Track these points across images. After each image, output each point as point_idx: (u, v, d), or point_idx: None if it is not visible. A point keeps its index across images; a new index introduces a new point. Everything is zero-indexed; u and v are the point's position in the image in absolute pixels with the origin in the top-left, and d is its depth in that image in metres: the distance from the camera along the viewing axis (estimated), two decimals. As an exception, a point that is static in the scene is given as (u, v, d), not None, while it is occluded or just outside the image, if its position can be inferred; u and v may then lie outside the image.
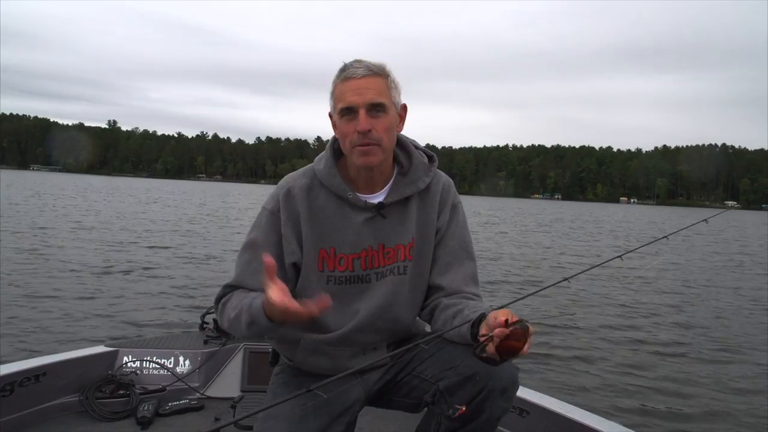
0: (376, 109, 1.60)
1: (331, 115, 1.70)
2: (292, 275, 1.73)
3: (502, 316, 1.42)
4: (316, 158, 1.78)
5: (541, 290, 1.92)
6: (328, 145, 1.77)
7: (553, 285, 1.91)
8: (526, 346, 1.39)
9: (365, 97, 1.59)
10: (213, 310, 3.21)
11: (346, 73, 1.62)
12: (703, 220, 2.59)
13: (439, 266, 1.79)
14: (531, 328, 1.40)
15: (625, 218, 53.68)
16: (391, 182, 1.75)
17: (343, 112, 1.62)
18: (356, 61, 1.64)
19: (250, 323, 1.55)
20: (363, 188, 1.73)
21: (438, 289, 1.79)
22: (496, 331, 1.39)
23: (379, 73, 1.63)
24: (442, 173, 1.84)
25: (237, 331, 1.65)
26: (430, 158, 1.81)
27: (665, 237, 2.36)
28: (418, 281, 1.79)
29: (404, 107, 1.73)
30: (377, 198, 1.72)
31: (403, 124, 1.75)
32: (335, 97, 1.65)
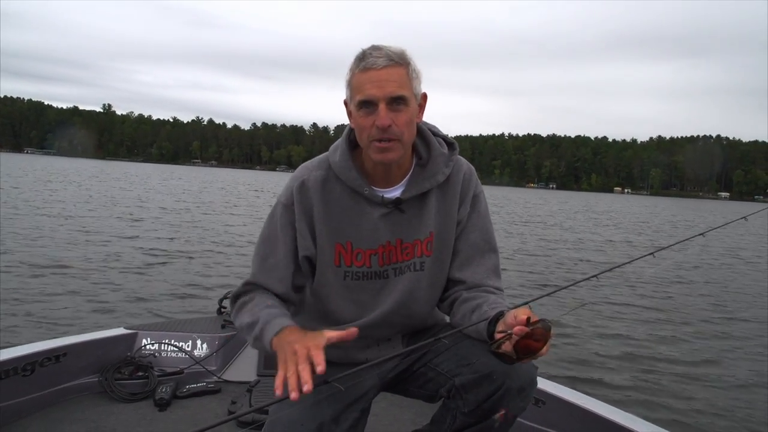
0: (396, 102, 1.51)
1: (346, 104, 1.61)
2: (306, 270, 1.69)
3: (522, 314, 1.37)
4: (331, 148, 1.70)
5: (565, 288, 1.91)
6: (344, 135, 1.69)
7: (582, 281, 1.90)
8: (546, 347, 1.34)
9: (386, 90, 1.49)
10: (227, 305, 3.24)
11: (366, 63, 1.50)
12: (742, 218, 2.58)
13: (461, 259, 1.74)
14: (552, 330, 1.34)
15: (648, 211, 53.32)
16: (409, 175, 1.68)
17: (361, 105, 1.52)
18: (375, 48, 1.52)
19: (256, 338, 1.55)
20: (380, 182, 1.66)
21: (459, 282, 1.74)
22: (516, 328, 1.34)
23: (399, 62, 1.52)
24: (463, 160, 1.76)
25: (246, 337, 1.63)
26: (450, 145, 1.73)
27: (701, 234, 2.35)
28: (438, 276, 1.74)
29: (424, 96, 1.63)
30: (394, 192, 1.66)
31: (422, 113, 1.66)
32: (353, 87, 1.54)
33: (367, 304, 1.71)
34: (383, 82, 1.49)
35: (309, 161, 1.73)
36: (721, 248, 18.82)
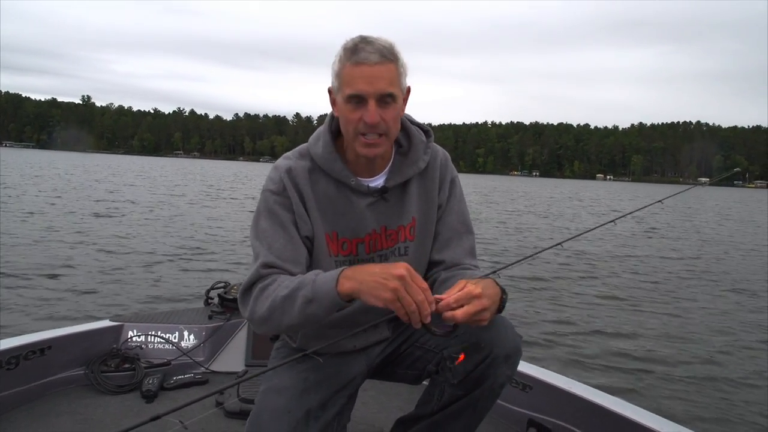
0: (385, 99, 1.51)
1: (331, 92, 1.61)
2: (309, 250, 1.66)
3: (457, 286, 1.41)
4: (312, 138, 1.70)
5: (531, 256, 1.93)
6: (326, 124, 1.68)
7: (545, 250, 1.91)
8: (462, 311, 1.37)
9: (376, 86, 1.49)
10: (214, 296, 3.23)
11: (358, 57, 1.49)
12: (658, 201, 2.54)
13: (440, 242, 1.77)
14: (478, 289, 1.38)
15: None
16: (390, 164, 1.71)
17: (350, 98, 1.52)
18: (367, 42, 1.51)
19: (308, 300, 1.43)
20: (363, 172, 1.67)
21: (438, 263, 1.78)
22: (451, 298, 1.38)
23: (390, 58, 1.52)
24: (438, 147, 1.79)
25: (281, 317, 1.49)
26: (426, 133, 1.76)
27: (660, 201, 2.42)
28: (421, 259, 1.77)
29: (408, 89, 1.64)
30: (377, 181, 1.68)
31: (405, 105, 1.66)
32: (342, 79, 1.53)
33: None
34: (374, 79, 1.49)
35: (288, 152, 1.71)
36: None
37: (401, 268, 1.35)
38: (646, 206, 2.48)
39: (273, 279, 1.54)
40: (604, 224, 2.35)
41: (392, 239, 1.71)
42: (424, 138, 1.74)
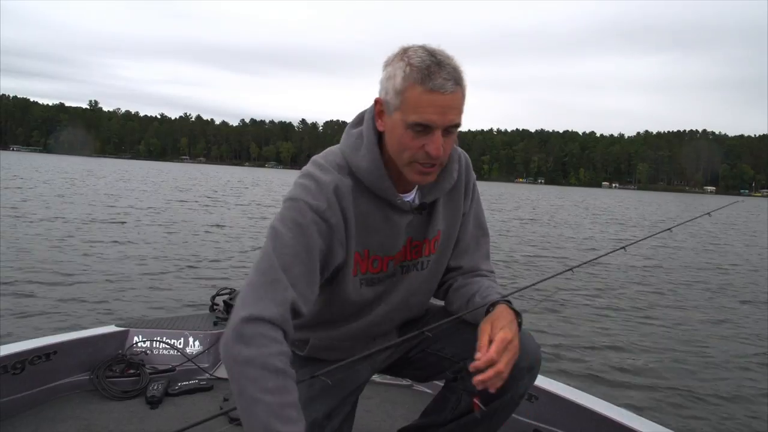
0: (451, 129, 1.41)
1: (380, 102, 1.46)
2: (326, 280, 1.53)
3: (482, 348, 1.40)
4: (348, 148, 1.52)
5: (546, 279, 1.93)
6: (371, 138, 1.50)
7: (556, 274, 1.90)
8: (494, 371, 1.37)
9: (447, 117, 1.37)
10: (219, 303, 3.23)
11: (433, 84, 1.34)
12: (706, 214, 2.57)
13: (460, 248, 1.73)
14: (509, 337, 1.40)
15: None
16: None
17: (415, 126, 1.38)
18: (441, 66, 1.36)
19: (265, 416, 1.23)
20: (401, 187, 1.55)
21: (456, 269, 1.75)
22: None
23: (462, 84, 1.39)
24: (458, 149, 1.66)
25: (247, 387, 1.26)
26: None
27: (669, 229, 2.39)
28: (438, 271, 1.73)
29: None
30: (410, 196, 1.58)
31: None
32: (407, 101, 1.37)
33: (371, 304, 1.66)
34: (447, 109, 1.37)
35: (321, 160, 1.52)
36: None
37: None
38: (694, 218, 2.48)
39: (259, 349, 1.28)
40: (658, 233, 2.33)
41: (417, 252, 1.65)
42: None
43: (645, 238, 2.38)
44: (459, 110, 1.40)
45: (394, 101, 1.40)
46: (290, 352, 1.34)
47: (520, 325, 1.51)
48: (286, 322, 1.33)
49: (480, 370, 1.36)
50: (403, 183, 1.54)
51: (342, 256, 1.49)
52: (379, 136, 1.50)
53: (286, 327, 1.34)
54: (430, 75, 1.35)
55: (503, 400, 1.58)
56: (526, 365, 1.56)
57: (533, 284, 1.88)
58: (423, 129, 1.38)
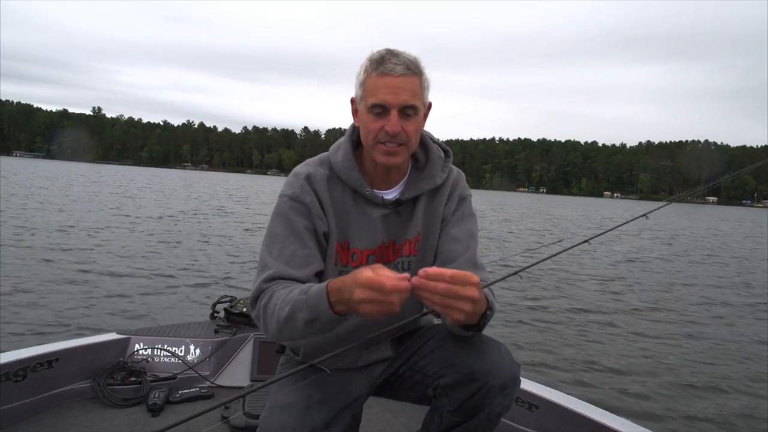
0: (408, 110, 1.55)
1: (354, 101, 1.66)
2: (324, 249, 1.67)
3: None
4: (332, 148, 1.73)
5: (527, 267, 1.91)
6: (347, 135, 1.71)
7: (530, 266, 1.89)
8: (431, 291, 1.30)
9: (400, 98, 1.53)
10: (220, 310, 3.24)
11: (384, 68, 1.53)
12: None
13: (443, 254, 1.74)
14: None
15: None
16: (406, 177, 1.73)
17: (373, 108, 1.55)
18: (393, 54, 1.55)
19: (309, 321, 1.43)
20: (379, 183, 1.70)
21: None
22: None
23: (415, 71, 1.56)
24: (455, 168, 1.81)
25: (291, 334, 1.50)
26: (445, 152, 1.78)
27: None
28: None
29: (429, 105, 1.68)
30: (392, 194, 1.71)
31: (425, 120, 1.69)
32: (366, 88, 1.57)
33: None
34: (398, 90, 1.53)
35: (309, 159, 1.74)
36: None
37: (366, 272, 1.31)
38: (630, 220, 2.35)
39: (271, 294, 1.53)
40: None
41: (397, 253, 1.72)
42: (442, 155, 1.77)
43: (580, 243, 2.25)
44: (412, 93, 1.55)
45: (359, 93, 1.61)
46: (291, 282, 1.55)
47: (485, 317, 1.49)
48: (287, 275, 1.56)
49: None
50: (382, 179, 1.69)
51: (325, 226, 1.65)
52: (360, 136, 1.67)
53: (289, 277, 1.56)
54: (382, 62, 1.55)
55: (480, 417, 1.59)
56: (498, 383, 1.55)
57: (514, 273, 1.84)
58: (382, 110, 1.55)
